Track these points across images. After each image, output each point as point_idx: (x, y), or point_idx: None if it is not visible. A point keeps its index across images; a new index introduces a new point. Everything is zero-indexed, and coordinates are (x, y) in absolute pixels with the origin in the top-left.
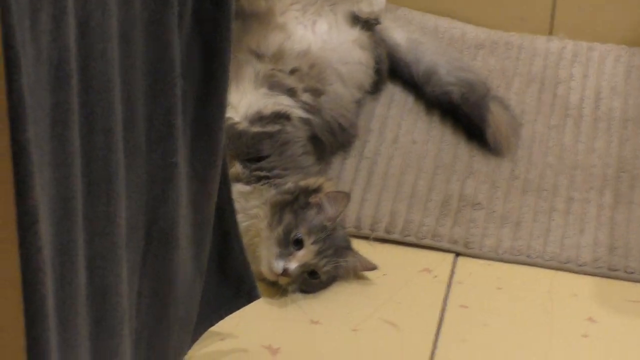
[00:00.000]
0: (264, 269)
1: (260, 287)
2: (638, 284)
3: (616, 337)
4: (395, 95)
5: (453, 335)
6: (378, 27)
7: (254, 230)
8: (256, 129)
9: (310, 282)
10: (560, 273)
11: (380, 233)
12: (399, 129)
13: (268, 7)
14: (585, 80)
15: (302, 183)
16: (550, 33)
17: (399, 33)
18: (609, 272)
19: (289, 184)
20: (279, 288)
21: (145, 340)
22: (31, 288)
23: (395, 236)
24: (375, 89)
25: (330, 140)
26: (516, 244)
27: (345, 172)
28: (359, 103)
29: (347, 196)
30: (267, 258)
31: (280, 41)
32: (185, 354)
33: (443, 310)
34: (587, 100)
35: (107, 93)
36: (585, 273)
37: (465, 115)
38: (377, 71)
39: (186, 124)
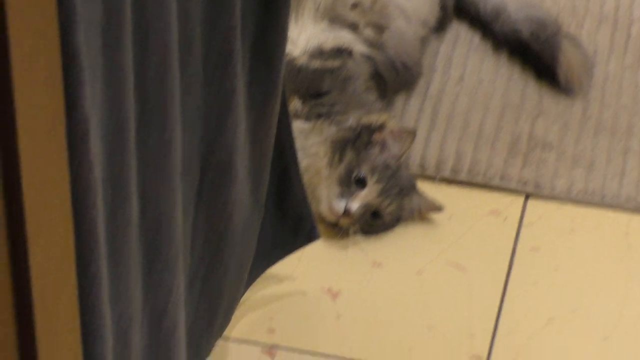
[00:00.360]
0: (324, 210)
1: (320, 228)
2: None
3: None
4: (460, 34)
5: (524, 278)
6: None
7: (313, 169)
8: (316, 64)
9: (373, 223)
10: (637, 216)
11: (447, 173)
12: (465, 67)
13: None
14: None
15: (365, 120)
16: None
17: None
18: None
19: (351, 120)
20: (339, 230)
21: (200, 280)
22: (81, 208)
23: (462, 176)
24: (440, 26)
25: (394, 79)
26: (590, 185)
27: (408, 112)
28: (423, 40)
29: (412, 134)
30: (328, 198)
31: None
32: (242, 296)
33: (513, 253)
34: None
35: (163, 8)
36: None
37: (535, 54)
38: (442, 7)
39: (245, 50)
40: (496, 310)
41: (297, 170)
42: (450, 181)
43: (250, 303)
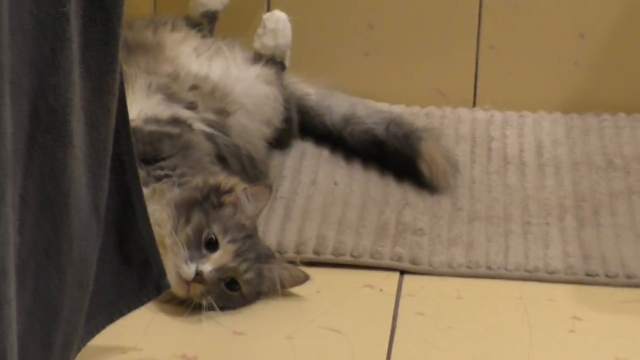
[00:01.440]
0: (172, 280)
1: (167, 309)
2: (623, 288)
3: (607, 332)
4: (307, 149)
5: (411, 338)
6: (286, 80)
7: (157, 240)
8: (152, 127)
9: (230, 295)
10: (529, 283)
11: (308, 255)
12: (316, 175)
13: (157, 41)
14: (522, 138)
15: (212, 180)
16: (474, 105)
17: (309, 86)
18: (587, 278)
19: (197, 180)
20: (191, 305)
21: (31, 277)
22: None
23: (327, 257)
24: (284, 141)
25: (239, 167)
26: (472, 260)
27: None
28: (268, 143)
29: (268, 189)
30: (175, 265)
31: (174, 68)
32: (81, 341)
33: (394, 318)
34: (528, 151)
35: None
36: (559, 281)
37: (394, 150)
38: (286, 119)
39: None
40: None
41: (141, 200)
42: (312, 264)
43: None
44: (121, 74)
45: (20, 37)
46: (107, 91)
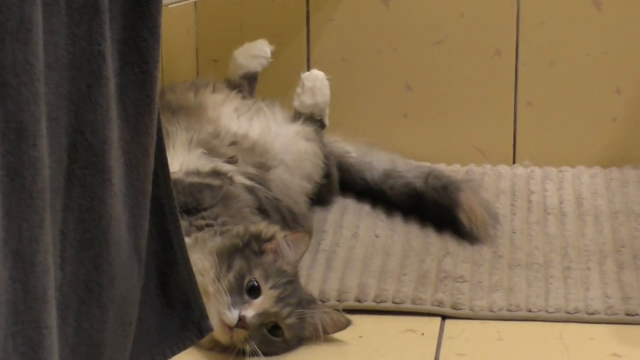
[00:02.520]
0: (215, 326)
1: (211, 356)
2: None
3: None
4: (348, 206)
5: None
6: (326, 139)
7: (199, 288)
8: (194, 179)
9: (272, 340)
10: (569, 324)
11: (350, 302)
12: (357, 228)
13: (198, 102)
14: (561, 191)
15: (253, 228)
16: (514, 162)
17: (348, 144)
18: (628, 318)
19: (238, 228)
20: (234, 352)
21: (73, 312)
22: None
23: (369, 304)
24: (325, 197)
25: (279, 221)
26: (513, 302)
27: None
28: (309, 198)
29: (308, 235)
30: (218, 311)
31: (215, 127)
32: None
33: (437, 358)
34: (567, 202)
35: None
36: (599, 322)
37: (433, 202)
38: (327, 175)
39: (114, 39)
40: None
41: (181, 241)
42: (354, 311)
43: None
44: (159, 120)
45: (56, 72)
46: (145, 132)
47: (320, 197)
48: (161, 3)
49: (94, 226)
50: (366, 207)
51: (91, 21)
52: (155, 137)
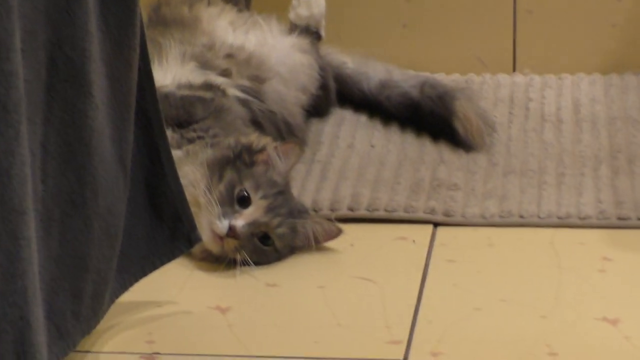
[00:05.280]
0: (206, 236)
1: (203, 266)
2: None
3: (638, 271)
4: (346, 116)
5: (442, 282)
6: (322, 50)
7: (190, 198)
8: (185, 92)
9: (263, 249)
10: (561, 229)
11: (343, 211)
12: (354, 138)
13: (193, 16)
14: (560, 98)
15: (245, 140)
16: (514, 71)
17: (345, 55)
18: (619, 222)
19: (229, 140)
20: (225, 260)
21: (56, 225)
22: None
23: (361, 212)
24: (323, 109)
25: (274, 133)
26: (505, 208)
27: (293, 178)
28: (305, 109)
29: (299, 146)
30: (209, 221)
31: (210, 39)
32: (114, 293)
33: (426, 265)
34: (565, 109)
35: None
36: (591, 226)
37: (429, 111)
38: (323, 86)
39: None
40: (414, 304)
41: (169, 156)
42: (347, 220)
43: (123, 324)
44: (143, 33)
45: None
46: (127, 45)
47: (317, 109)
48: None
49: (76, 139)
50: (363, 118)
51: None
52: (138, 51)
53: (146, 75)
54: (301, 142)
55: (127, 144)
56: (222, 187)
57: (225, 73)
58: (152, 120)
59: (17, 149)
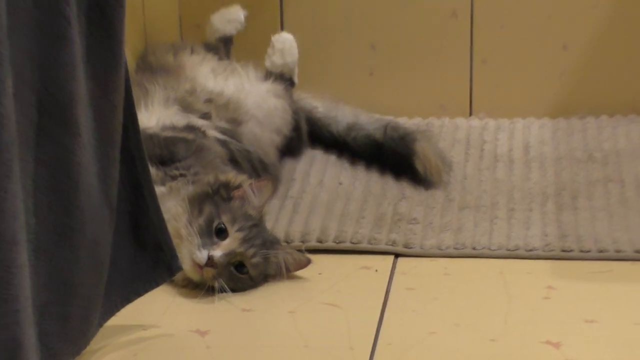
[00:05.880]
0: (187, 265)
1: (184, 293)
2: (594, 262)
3: (578, 298)
4: (316, 156)
5: (401, 308)
6: (295, 95)
7: (173, 231)
8: (169, 133)
9: (239, 277)
10: (510, 260)
11: (312, 243)
12: (324, 175)
13: (177, 63)
14: (512, 140)
15: (223, 177)
16: (470, 115)
17: (316, 100)
18: (563, 254)
19: (209, 177)
20: (204, 288)
21: (46, 254)
22: None
23: (329, 244)
24: (295, 149)
25: (250, 171)
26: (460, 241)
27: (268, 212)
28: (279, 149)
29: (272, 183)
30: (189, 250)
31: (192, 85)
32: (102, 320)
33: (387, 292)
34: (516, 150)
35: None
36: (537, 257)
37: (391, 151)
38: (295, 128)
39: (79, 8)
40: (375, 327)
41: (151, 190)
42: (316, 251)
43: (110, 346)
44: (127, 78)
45: (22, 35)
46: (112, 89)
47: (290, 149)
48: None
49: (64, 175)
50: (332, 158)
51: None
52: (123, 94)
53: (130, 116)
54: (275, 180)
55: (112, 180)
56: (201, 220)
57: (206, 116)
58: (136, 159)
59: (10, 185)
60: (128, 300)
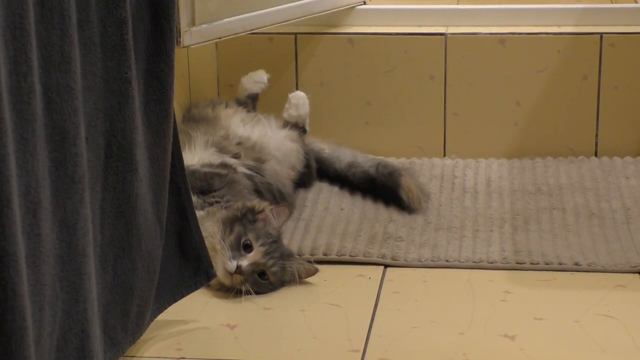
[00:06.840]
0: (220, 273)
1: (218, 295)
2: (542, 272)
3: (529, 300)
4: (323, 187)
5: (389, 308)
6: (307, 140)
7: (210, 247)
8: (207, 169)
9: (261, 282)
10: (475, 270)
11: (319, 256)
12: (329, 203)
13: (214, 115)
14: (477, 176)
15: (249, 204)
16: (444, 156)
17: (323, 143)
18: (517, 265)
19: (238, 204)
20: (234, 292)
21: (111, 264)
22: None
23: (333, 256)
24: (306, 181)
25: (271, 199)
26: (435, 255)
27: (284, 232)
28: (294, 182)
29: (288, 209)
30: (222, 263)
31: (226, 131)
32: (153, 313)
33: (378, 295)
34: (480, 184)
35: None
36: (497, 268)
37: (382, 184)
38: (307, 166)
39: (139, 69)
40: (368, 323)
41: (193, 212)
42: (322, 262)
43: (159, 336)
44: (175, 127)
45: (94, 93)
46: (163, 135)
47: (303, 182)
48: (174, 43)
49: (125, 202)
50: (336, 189)
51: (120, 57)
52: (171, 139)
53: (178, 156)
54: (290, 206)
55: (163, 205)
56: (232, 237)
57: (236, 156)
58: (182, 189)
59: (82, 209)
60: (174, 300)
